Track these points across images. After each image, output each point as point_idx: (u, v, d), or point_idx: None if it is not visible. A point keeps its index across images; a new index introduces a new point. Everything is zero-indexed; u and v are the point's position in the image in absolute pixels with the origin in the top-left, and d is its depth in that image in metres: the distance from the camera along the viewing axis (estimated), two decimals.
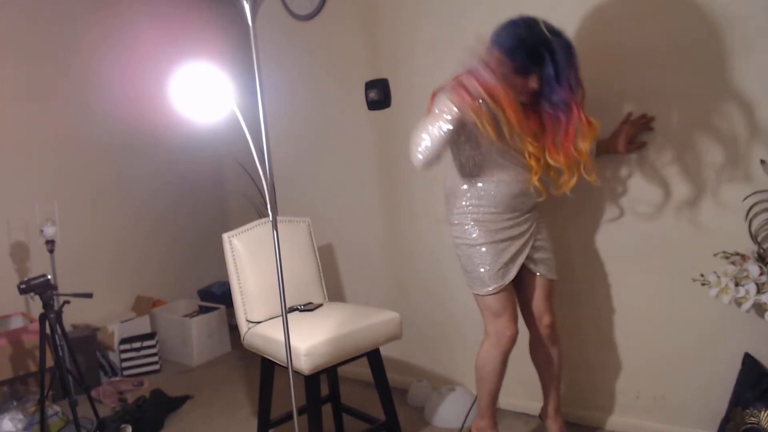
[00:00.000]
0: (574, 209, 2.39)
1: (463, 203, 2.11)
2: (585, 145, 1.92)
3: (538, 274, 2.17)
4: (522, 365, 2.37)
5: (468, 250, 2.10)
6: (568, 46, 1.87)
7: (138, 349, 3.57)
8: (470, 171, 2.08)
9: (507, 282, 2.09)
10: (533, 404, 2.59)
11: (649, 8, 2.14)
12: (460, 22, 2.57)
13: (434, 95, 2.00)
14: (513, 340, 2.13)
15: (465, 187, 2.10)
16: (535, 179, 2.03)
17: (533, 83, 1.91)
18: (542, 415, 2.40)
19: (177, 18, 4.05)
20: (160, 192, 4.16)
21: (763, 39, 1.95)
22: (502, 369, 2.18)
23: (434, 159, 1.92)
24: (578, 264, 2.43)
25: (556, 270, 2.22)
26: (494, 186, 2.05)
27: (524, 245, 2.11)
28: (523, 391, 2.62)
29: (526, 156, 2.02)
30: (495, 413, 2.27)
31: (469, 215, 2.09)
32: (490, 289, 2.09)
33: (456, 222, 2.13)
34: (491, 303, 2.11)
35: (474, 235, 2.08)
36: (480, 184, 2.07)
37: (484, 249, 2.07)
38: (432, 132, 1.88)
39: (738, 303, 1.92)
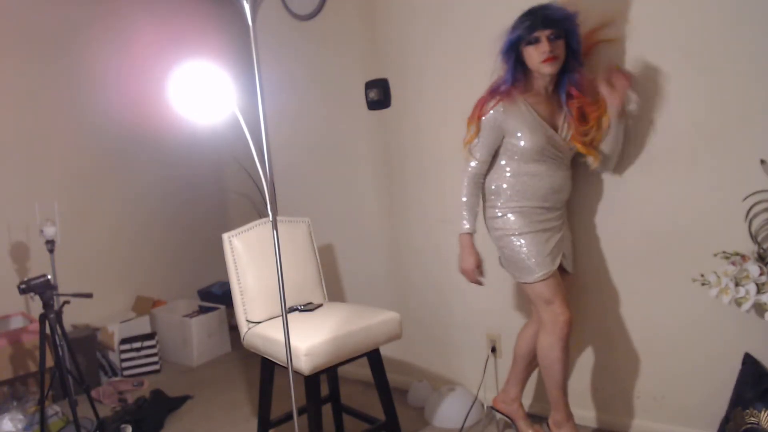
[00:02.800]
0: (572, 211, 2.39)
1: (508, 195, 2.15)
2: (605, 122, 2.10)
3: (566, 270, 2.24)
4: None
5: (512, 240, 2.15)
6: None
7: (138, 349, 3.57)
8: (511, 168, 2.15)
9: (555, 267, 2.14)
10: (540, 406, 2.59)
11: None
12: (460, 22, 2.57)
13: (480, 112, 2.13)
14: (569, 325, 2.13)
15: (505, 185, 2.15)
16: (594, 161, 2.16)
17: (559, 49, 2.01)
18: (514, 414, 2.40)
19: (177, 18, 4.05)
20: (159, 191, 4.15)
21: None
22: (564, 357, 2.16)
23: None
24: (576, 265, 2.43)
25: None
26: (537, 180, 2.12)
27: (562, 238, 2.19)
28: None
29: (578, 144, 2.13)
30: (567, 404, 2.24)
31: (509, 209, 2.14)
32: (540, 275, 2.11)
33: (499, 215, 2.17)
34: (541, 290, 2.13)
35: (517, 225, 2.13)
36: (522, 179, 2.13)
37: (528, 236, 2.13)
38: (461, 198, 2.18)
39: (738, 303, 1.92)
